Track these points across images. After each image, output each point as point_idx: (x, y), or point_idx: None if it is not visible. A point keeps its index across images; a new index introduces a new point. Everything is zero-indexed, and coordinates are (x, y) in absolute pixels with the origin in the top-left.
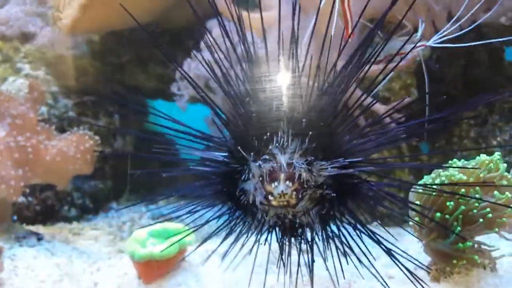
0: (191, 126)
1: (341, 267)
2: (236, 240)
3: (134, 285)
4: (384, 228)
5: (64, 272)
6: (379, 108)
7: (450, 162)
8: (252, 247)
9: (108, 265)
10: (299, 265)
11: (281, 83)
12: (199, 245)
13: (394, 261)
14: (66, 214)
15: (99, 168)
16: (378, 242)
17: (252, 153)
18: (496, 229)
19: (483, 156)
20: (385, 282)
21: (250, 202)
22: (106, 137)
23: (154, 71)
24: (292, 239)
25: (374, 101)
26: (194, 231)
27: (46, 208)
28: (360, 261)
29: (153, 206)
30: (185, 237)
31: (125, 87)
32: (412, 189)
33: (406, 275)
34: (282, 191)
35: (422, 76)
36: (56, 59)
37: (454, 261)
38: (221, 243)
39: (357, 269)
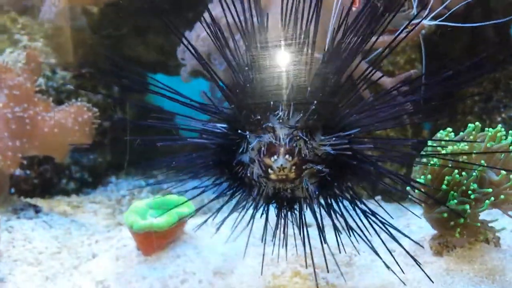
0: (190, 97)
1: (340, 241)
2: (232, 212)
3: (133, 257)
4: (379, 204)
5: (62, 244)
6: (385, 81)
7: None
8: (250, 220)
9: (107, 238)
10: (300, 236)
11: (283, 54)
12: (194, 215)
13: (390, 236)
14: (64, 188)
15: (98, 142)
16: (374, 216)
17: (251, 125)
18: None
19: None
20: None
21: (248, 175)
22: (105, 110)
23: (154, 42)
24: (289, 213)
25: (381, 75)
26: (190, 200)
27: (45, 181)
28: (360, 235)
29: (153, 180)
30: (185, 209)
31: (124, 59)
32: (415, 163)
33: (404, 249)
34: (281, 165)
35: (427, 51)
36: (54, 31)
37: (456, 228)
38: (215, 214)
39: (355, 243)
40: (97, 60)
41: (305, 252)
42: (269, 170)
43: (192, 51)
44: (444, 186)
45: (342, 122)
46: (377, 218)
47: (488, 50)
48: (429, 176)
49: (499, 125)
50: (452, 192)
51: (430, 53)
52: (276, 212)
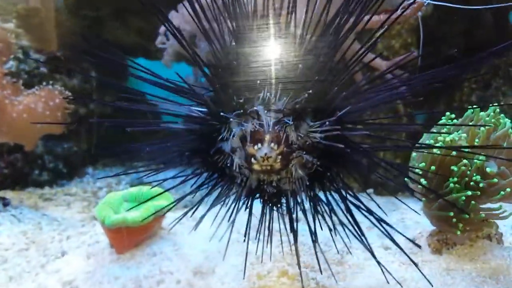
0: (168, 79)
1: (332, 237)
2: (212, 207)
3: (105, 255)
4: (371, 198)
5: (31, 240)
6: (380, 64)
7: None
8: (231, 215)
9: (79, 233)
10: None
11: (270, 31)
12: (172, 208)
13: (386, 234)
14: (37, 179)
15: (74, 130)
16: (368, 211)
17: (233, 110)
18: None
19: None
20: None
21: (229, 165)
22: (81, 96)
23: (134, 25)
24: (275, 208)
25: (375, 56)
26: (168, 191)
27: (15, 171)
28: (353, 232)
29: (132, 170)
30: (163, 201)
31: (102, 42)
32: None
33: (400, 248)
34: (265, 154)
35: (423, 35)
36: (28, 12)
37: (458, 224)
38: (194, 208)
39: (347, 241)
40: (74, 43)
41: (296, 249)
42: (252, 160)
43: (173, 30)
44: (451, 184)
45: (333, 107)
46: (371, 213)
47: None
48: (432, 167)
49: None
50: (454, 184)
51: (427, 37)
52: (261, 206)
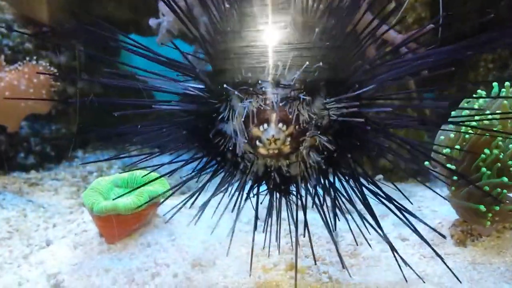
0: (161, 54)
1: (349, 227)
2: (213, 196)
3: (94, 245)
4: (383, 183)
5: (14, 227)
6: (395, 37)
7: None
8: (235, 204)
9: (67, 221)
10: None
11: None
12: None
13: (408, 225)
14: (22, 162)
15: (62, 111)
16: (389, 199)
17: (235, 85)
18: None
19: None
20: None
21: (231, 149)
22: (69, 74)
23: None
24: (284, 196)
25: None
26: (164, 176)
27: None
28: (369, 220)
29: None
30: (157, 187)
31: (92, 17)
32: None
33: (425, 241)
34: (272, 136)
35: (437, 9)
36: None
37: (487, 223)
38: (194, 196)
39: (359, 230)
40: (61, 17)
41: (310, 241)
42: (257, 143)
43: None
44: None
45: (349, 81)
46: (390, 200)
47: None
48: (457, 146)
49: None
50: (485, 169)
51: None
52: (267, 193)
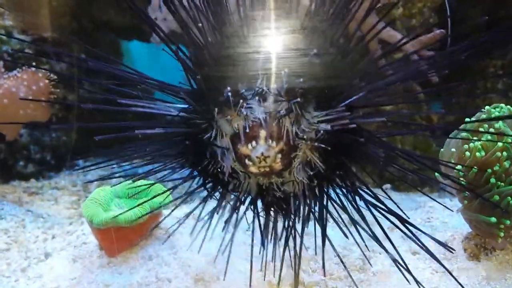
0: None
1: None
2: (213, 213)
3: (94, 258)
4: (388, 196)
5: (13, 239)
6: (395, 35)
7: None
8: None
9: (66, 232)
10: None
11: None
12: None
13: (414, 240)
14: (21, 171)
15: (62, 118)
16: (393, 213)
17: (219, 103)
18: None
19: None
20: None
21: (220, 169)
22: (70, 81)
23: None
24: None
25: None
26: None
27: None
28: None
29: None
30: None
31: (94, 23)
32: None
33: (435, 258)
34: (262, 153)
35: (445, 14)
36: None
37: (500, 234)
38: (190, 212)
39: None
40: (62, 23)
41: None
42: (247, 161)
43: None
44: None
45: (341, 90)
46: (393, 214)
47: None
48: (474, 170)
49: None
50: (497, 182)
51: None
52: (263, 210)
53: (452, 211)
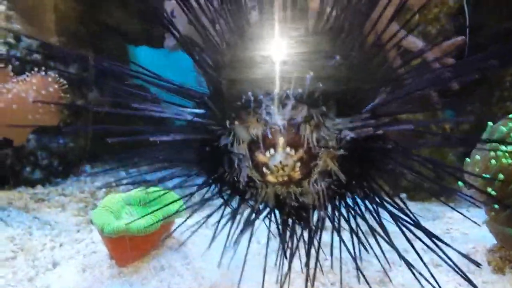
0: (160, 76)
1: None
2: (227, 222)
3: (104, 268)
4: (406, 207)
5: (19, 247)
6: (415, 42)
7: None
8: (244, 227)
9: (74, 240)
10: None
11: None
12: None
13: (436, 253)
14: (28, 177)
15: (71, 124)
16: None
17: (236, 109)
18: None
19: None
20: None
21: (236, 178)
22: (79, 86)
23: (136, 7)
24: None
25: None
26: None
27: (4, 168)
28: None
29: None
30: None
31: (101, 27)
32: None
33: (458, 270)
34: (280, 162)
35: (461, 22)
36: None
37: None
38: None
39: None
40: (70, 27)
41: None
42: (265, 170)
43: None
44: None
45: (364, 96)
46: (418, 226)
47: None
48: (500, 176)
49: None
50: None
51: (461, 26)
52: (281, 222)
53: (479, 225)
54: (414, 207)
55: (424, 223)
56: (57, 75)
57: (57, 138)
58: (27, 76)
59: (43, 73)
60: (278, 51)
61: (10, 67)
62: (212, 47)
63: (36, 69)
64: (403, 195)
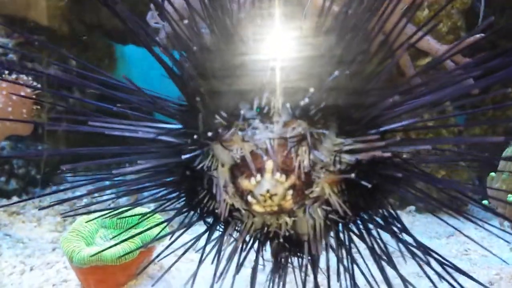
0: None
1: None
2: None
3: None
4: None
5: None
6: (434, 47)
7: None
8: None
9: (46, 264)
10: None
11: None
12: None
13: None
14: (3, 187)
15: (49, 130)
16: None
17: (217, 126)
18: None
19: None
20: None
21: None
22: (58, 89)
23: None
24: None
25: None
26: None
27: None
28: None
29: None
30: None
31: (85, 25)
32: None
33: None
34: (267, 190)
35: (473, 19)
36: None
37: None
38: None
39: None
40: (51, 26)
41: None
42: (249, 198)
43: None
44: None
45: (370, 111)
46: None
47: None
48: None
49: None
50: None
51: (472, 26)
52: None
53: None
54: (423, 219)
55: (439, 242)
56: (29, 78)
57: (35, 145)
58: None
59: (14, 75)
60: (268, 56)
61: None
62: (187, 50)
63: (6, 72)
64: (412, 208)
